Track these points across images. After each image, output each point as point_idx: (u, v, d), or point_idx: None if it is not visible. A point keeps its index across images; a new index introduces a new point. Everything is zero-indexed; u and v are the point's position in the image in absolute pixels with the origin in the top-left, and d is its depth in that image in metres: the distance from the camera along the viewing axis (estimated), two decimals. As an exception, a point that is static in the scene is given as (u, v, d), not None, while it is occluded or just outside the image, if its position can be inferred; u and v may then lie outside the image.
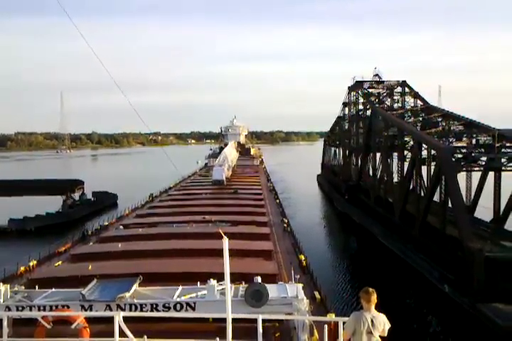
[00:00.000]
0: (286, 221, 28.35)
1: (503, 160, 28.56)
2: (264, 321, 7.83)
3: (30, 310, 10.09)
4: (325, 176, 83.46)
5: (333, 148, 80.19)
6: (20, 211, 49.92)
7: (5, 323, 7.98)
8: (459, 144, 31.96)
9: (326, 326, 7.83)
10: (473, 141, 31.09)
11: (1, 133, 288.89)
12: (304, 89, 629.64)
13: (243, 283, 10.63)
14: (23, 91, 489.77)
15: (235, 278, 10.09)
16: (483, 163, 29.75)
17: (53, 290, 11.00)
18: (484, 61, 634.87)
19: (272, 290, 10.16)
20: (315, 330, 9.69)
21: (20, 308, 10.14)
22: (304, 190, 76.20)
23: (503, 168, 29.77)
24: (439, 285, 25.24)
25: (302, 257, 19.39)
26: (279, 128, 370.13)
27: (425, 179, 34.57)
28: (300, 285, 10.68)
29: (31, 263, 18.79)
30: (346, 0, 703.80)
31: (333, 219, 55.52)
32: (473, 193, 36.07)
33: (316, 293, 14.75)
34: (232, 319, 6.87)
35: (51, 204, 54.34)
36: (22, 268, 18.08)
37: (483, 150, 29.51)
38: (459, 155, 29.89)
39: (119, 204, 58.79)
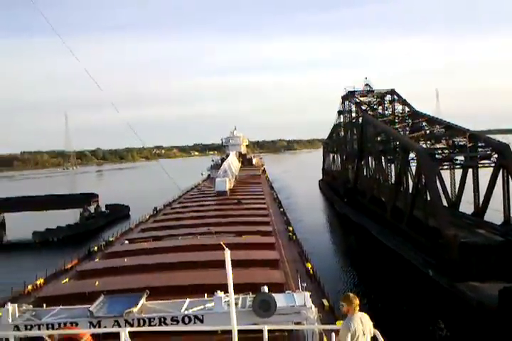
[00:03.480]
0: (291, 229, 28.56)
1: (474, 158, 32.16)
2: (273, 331, 8.13)
3: (39, 328, 10.07)
4: (326, 181, 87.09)
5: (331, 154, 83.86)
6: (41, 224, 53.78)
7: None
8: (439, 145, 35.61)
9: (334, 334, 7.86)
10: (450, 143, 34.75)
11: (8, 153, 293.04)
12: (305, 96, 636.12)
13: (250, 293, 10.57)
14: (26, 111, 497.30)
15: (242, 288, 10.52)
16: (461, 162, 33.36)
17: (61, 307, 11.01)
18: (478, 62, 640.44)
19: (280, 299, 10.14)
20: (325, 338, 9.71)
21: (28, 327, 10.16)
22: (306, 195, 79.74)
23: (479, 166, 33.37)
24: (424, 269, 28.69)
25: (309, 265, 19.41)
26: (281, 137, 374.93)
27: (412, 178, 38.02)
28: (308, 294, 10.61)
29: (38, 282, 18.94)
30: (344, 9, 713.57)
31: (334, 220, 59.11)
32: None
33: (325, 301, 14.80)
34: (241, 330, 7.06)
35: (65, 217, 58.31)
36: (29, 287, 18.17)
37: (457, 150, 33.11)
38: (439, 156, 33.58)
39: (131, 215, 62.44)
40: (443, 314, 24.43)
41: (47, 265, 22.64)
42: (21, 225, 59.83)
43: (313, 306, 10.14)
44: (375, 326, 7.06)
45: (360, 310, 6.92)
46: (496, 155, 31.46)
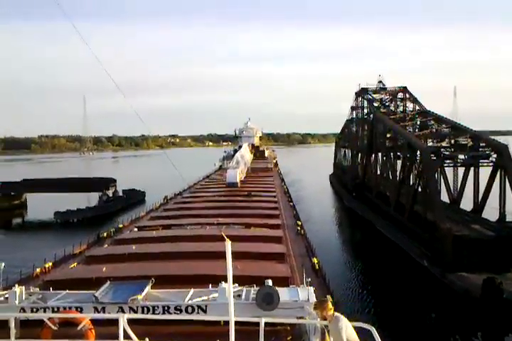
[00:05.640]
0: (300, 223, 28.52)
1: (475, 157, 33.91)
2: (276, 324, 8.23)
3: (45, 311, 10.20)
4: (336, 175, 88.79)
5: (343, 149, 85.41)
6: (60, 206, 56.23)
7: (12, 325, 8.07)
8: (444, 144, 37.32)
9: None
10: (452, 142, 36.45)
11: (25, 137, 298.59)
12: (321, 89, 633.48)
13: (255, 286, 10.62)
14: (44, 96, 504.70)
15: (247, 280, 10.81)
16: (462, 161, 35.10)
17: (67, 291, 11.13)
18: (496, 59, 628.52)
19: (284, 293, 10.19)
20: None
21: (34, 310, 10.29)
22: (316, 189, 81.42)
23: (479, 165, 35.07)
24: (420, 260, 30.65)
25: (315, 260, 19.37)
26: (295, 130, 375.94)
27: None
28: (312, 289, 10.70)
29: (47, 265, 19.07)
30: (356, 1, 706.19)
31: (341, 213, 61.08)
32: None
33: (329, 297, 15.33)
34: (244, 322, 7.25)
35: (82, 200, 61.16)
36: (38, 270, 18.40)
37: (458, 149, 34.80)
38: (443, 154, 35.32)
39: (146, 200, 64.97)
40: (434, 301, 26.34)
41: (68, 244, 23.13)
42: (41, 206, 63.04)
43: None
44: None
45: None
46: (495, 156, 33.12)
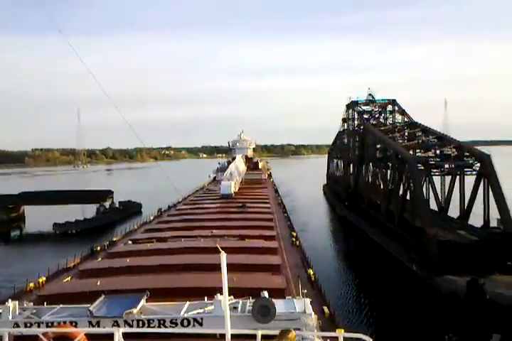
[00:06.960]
0: (295, 234, 28.54)
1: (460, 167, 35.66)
2: (272, 337, 8.13)
3: (38, 326, 10.07)
4: (329, 186, 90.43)
5: (335, 160, 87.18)
6: (55, 217, 56.71)
7: (6, 340, 7.96)
8: (431, 154, 39.07)
9: None
10: (438, 152, 38.23)
11: (19, 150, 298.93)
12: (314, 102, 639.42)
13: (250, 298, 10.54)
14: (37, 109, 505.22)
15: (243, 292, 10.80)
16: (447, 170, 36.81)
17: (61, 306, 11.06)
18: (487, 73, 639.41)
19: (280, 305, 10.13)
20: None
21: (28, 325, 10.18)
22: (310, 199, 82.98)
23: (465, 174, 36.76)
24: (409, 265, 32.06)
25: (311, 271, 19.38)
26: (289, 142, 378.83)
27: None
28: (308, 300, 10.66)
29: (40, 280, 18.91)
30: (355, 14, 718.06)
31: (334, 221, 62.59)
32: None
33: (325, 308, 14.73)
34: (240, 334, 7.22)
35: (75, 212, 61.71)
36: (31, 285, 18.21)
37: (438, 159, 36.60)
38: (429, 163, 37.01)
39: (143, 211, 65.93)
40: (423, 303, 27.60)
41: (66, 256, 23.52)
42: (39, 218, 63.73)
43: (312, 313, 10.26)
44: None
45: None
46: (478, 164, 34.82)
